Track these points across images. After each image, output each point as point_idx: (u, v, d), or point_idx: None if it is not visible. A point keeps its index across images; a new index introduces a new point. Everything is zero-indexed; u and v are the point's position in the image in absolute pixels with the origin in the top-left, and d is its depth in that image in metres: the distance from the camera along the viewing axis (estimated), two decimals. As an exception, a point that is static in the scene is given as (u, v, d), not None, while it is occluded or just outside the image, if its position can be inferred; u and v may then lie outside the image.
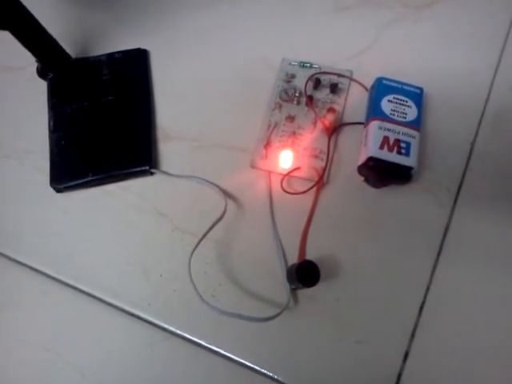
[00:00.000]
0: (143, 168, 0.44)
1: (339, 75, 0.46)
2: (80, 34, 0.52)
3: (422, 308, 0.38)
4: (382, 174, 0.40)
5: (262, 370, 0.38)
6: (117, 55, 0.49)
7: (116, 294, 0.41)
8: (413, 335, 0.38)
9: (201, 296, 0.37)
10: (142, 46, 0.50)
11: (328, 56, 0.47)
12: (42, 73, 0.48)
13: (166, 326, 0.40)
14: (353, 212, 0.42)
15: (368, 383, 0.37)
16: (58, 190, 0.44)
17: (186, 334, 0.39)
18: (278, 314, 0.36)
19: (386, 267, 0.40)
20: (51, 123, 0.47)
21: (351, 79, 0.46)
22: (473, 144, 0.43)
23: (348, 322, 0.38)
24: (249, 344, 0.38)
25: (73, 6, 0.53)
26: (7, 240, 0.44)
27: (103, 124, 0.46)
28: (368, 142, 0.40)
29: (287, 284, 0.38)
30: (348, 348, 0.38)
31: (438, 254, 0.40)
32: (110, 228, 0.43)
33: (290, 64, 0.47)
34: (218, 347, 0.39)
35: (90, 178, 0.44)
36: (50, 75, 0.48)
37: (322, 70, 0.46)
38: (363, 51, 0.48)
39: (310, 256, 0.40)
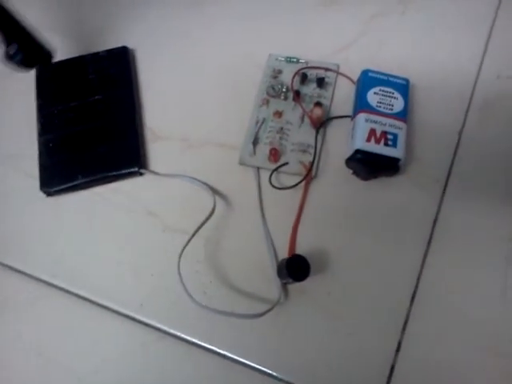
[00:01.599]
0: (132, 169, 0.43)
1: (326, 69, 0.46)
2: (66, 33, 0.52)
3: (413, 298, 0.38)
4: (369, 166, 0.40)
5: (257, 366, 0.38)
6: (101, 54, 0.49)
7: (108, 295, 0.41)
8: (405, 325, 0.38)
9: (191, 296, 0.37)
10: (129, 46, 0.50)
11: (315, 50, 0.47)
12: (9, 55, 0.42)
13: (158, 325, 0.40)
14: (342, 205, 0.42)
15: (361, 375, 0.37)
16: (49, 194, 0.44)
17: (179, 333, 0.39)
18: (269, 310, 0.36)
19: (377, 259, 0.40)
20: (38, 126, 0.47)
21: (338, 73, 0.46)
22: (460, 133, 0.43)
23: (339, 314, 0.38)
24: (242, 340, 0.38)
25: (57, 5, 0.53)
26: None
27: (91, 125, 0.46)
28: (355, 135, 0.40)
29: (278, 279, 0.38)
30: (340, 340, 0.38)
31: (428, 244, 0.40)
32: (101, 230, 0.43)
33: (276, 59, 0.47)
34: (211, 345, 0.39)
35: (79, 181, 0.43)
36: (19, 55, 0.42)
37: (308, 65, 0.46)
38: (350, 45, 0.48)
39: (300, 250, 0.40)
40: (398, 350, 0.37)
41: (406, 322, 0.38)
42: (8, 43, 0.42)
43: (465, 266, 0.39)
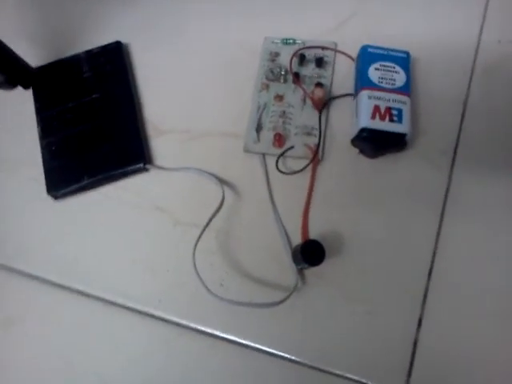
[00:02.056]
0: (138, 166, 0.43)
1: (324, 48, 0.45)
2: (58, 33, 0.51)
3: (430, 272, 0.38)
4: (376, 143, 0.40)
5: (280, 353, 0.38)
6: (95, 51, 0.48)
7: (125, 294, 0.41)
8: (424, 300, 0.38)
9: (209, 289, 0.37)
10: (122, 40, 0.49)
11: (311, 30, 0.47)
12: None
13: (179, 320, 0.40)
14: (351, 185, 0.41)
15: (385, 353, 0.37)
16: (56, 197, 0.44)
17: (200, 327, 0.39)
18: (288, 297, 0.37)
19: (391, 236, 0.40)
20: (39, 129, 0.46)
21: (336, 51, 0.45)
22: (465, 103, 0.42)
23: (358, 294, 0.38)
24: (263, 329, 0.38)
25: (43, 7, 0.53)
26: (11, 253, 0.44)
27: (91, 124, 0.45)
28: (359, 113, 0.40)
29: (294, 265, 0.38)
30: (361, 320, 0.38)
31: (441, 216, 0.40)
32: (112, 229, 0.43)
33: (272, 42, 0.46)
34: (233, 336, 0.39)
35: (85, 182, 0.43)
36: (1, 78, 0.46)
37: (305, 45, 0.45)
38: (346, 21, 0.47)
39: (313, 234, 0.40)
40: (419, 325, 0.37)
41: (425, 297, 0.38)
42: None
43: (480, 237, 0.39)
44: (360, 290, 0.39)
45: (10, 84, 0.47)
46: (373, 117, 0.39)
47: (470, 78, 0.43)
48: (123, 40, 0.49)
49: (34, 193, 0.45)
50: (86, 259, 0.42)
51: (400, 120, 0.39)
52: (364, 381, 0.36)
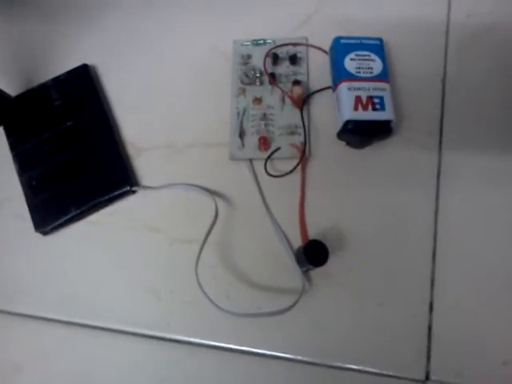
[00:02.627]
0: (124, 189, 0.42)
1: (295, 44, 0.45)
2: (23, 62, 0.50)
3: (434, 255, 0.38)
4: (362, 134, 0.40)
5: (296, 357, 0.37)
6: (62, 77, 0.47)
7: (132, 321, 0.40)
8: (432, 284, 0.38)
9: (215, 304, 0.37)
10: (88, 63, 0.47)
11: (279, 28, 0.46)
12: None
13: (190, 339, 0.39)
14: (343, 179, 0.41)
15: (401, 342, 0.37)
16: (45, 233, 0.43)
17: (212, 342, 0.39)
18: (297, 301, 0.36)
19: (390, 223, 0.40)
20: (16, 165, 0.45)
21: (308, 45, 0.45)
22: (444, 80, 0.42)
23: (366, 288, 0.38)
24: (276, 335, 0.38)
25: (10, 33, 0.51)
26: (7, 296, 0.42)
27: (70, 153, 0.44)
28: (341, 106, 0.39)
29: (298, 268, 0.38)
30: (372, 314, 0.38)
31: (437, 196, 0.40)
32: (107, 256, 0.42)
33: (242, 45, 0.45)
34: (246, 347, 0.38)
35: (73, 213, 0.42)
36: None
37: (276, 44, 0.45)
38: (313, 14, 0.46)
39: (312, 233, 0.40)
40: (431, 309, 0.37)
41: (432, 280, 0.38)
42: None
43: (478, 212, 0.39)
44: (367, 283, 0.38)
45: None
46: (355, 108, 0.38)
47: (445, 56, 0.43)
48: (90, 62, 0.48)
49: (22, 231, 0.43)
50: (85, 291, 0.41)
51: (383, 107, 0.38)
52: (385, 372, 0.36)
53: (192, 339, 0.39)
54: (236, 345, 0.38)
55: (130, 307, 0.40)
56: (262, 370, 0.38)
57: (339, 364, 0.37)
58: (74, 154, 0.44)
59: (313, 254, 0.36)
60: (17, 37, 0.51)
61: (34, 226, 0.43)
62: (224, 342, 0.39)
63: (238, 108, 0.43)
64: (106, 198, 0.42)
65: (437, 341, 0.37)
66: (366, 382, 0.36)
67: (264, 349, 0.38)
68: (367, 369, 0.37)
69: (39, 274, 0.43)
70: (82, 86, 0.46)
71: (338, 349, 0.37)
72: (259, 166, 0.42)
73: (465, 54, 0.43)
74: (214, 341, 0.39)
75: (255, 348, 0.38)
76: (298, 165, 0.40)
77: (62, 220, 0.42)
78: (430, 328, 0.37)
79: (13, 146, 0.45)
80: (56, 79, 0.47)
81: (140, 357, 0.39)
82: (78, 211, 0.42)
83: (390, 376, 0.36)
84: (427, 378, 0.36)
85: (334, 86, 0.41)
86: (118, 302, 0.41)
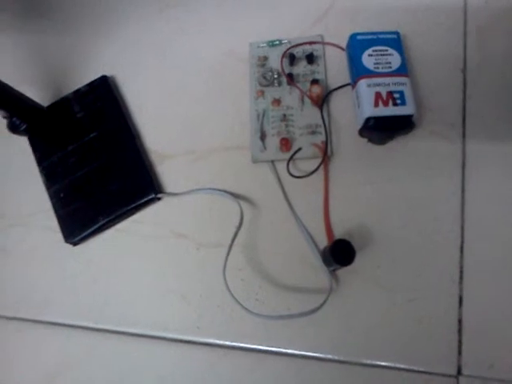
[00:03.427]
0: (149, 197, 0.43)
1: (311, 43, 0.44)
2: (42, 76, 0.51)
3: (462, 248, 0.38)
4: (384, 130, 0.39)
5: (327, 356, 0.38)
6: (83, 89, 0.48)
7: (163, 326, 0.41)
8: (461, 277, 0.37)
9: (245, 307, 0.37)
10: (107, 74, 0.48)
11: (293, 27, 0.46)
12: (13, 126, 0.44)
13: (220, 342, 0.39)
14: (366, 175, 0.41)
15: (432, 337, 0.36)
16: (75, 244, 0.44)
17: (242, 344, 0.39)
18: (325, 301, 0.36)
19: (416, 219, 0.39)
20: (43, 179, 0.46)
21: (324, 43, 0.44)
22: (464, 70, 0.42)
23: (395, 284, 0.38)
24: (306, 335, 0.38)
25: (28, 49, 0.52)
26: (40, 306, 0.43)
27: (95, 164, 0.45)
28: (361, 103, 0.39)
29: (325, 267, 0.38)
30: (403, 310, 0.37)
31: (463, 189, 0.39)
32: (136, 264, 0.43)
33: (258, 47, 0.45)
34: (277, 348, 0.38)
35: (101, 223, 0.43)
36: (23, 126, 0.44)
37: (292, 44, 0.44)
38: (327, 11, 0.46)
39: (337, 232, 0.40)
40: (460, 303, 0.37)
41: (461, 273, 0.37)
42: (10, 115, 0.42)
43: (506, 202, 0.38)
44: (396, 279, 0.38)
45: (29, 131, 0.45)
46: (376, 104, 0.38)
47: (465, 44, 0.42)
48: (108, 73, 0.48)
49: (52, 242, 0.45)
50: (116, 299, 0.42)
51: (403, 102, 0.38)
52: (415, 368, 0.36)
53: (222, 342, 0.39)
54: (267, 346, 0.39)
55: (159, 312, 0.41)
56: (293, 370, 0.38)
57: (370, 361, 0.37)
58: (99, 164, 0.45)
59: (339, 253, 0.35)
60: (36, 50, 0.52)
61: (63, 237, 0.44)
62: (255, 344, 0.39)
63: (257, 110, 0.43)
64: (133, 206, 0.43)
65: (468, 334, 0.36)
66: (397, 378, 0.36)
67: (295, 349, 0.38)
68: (398, 365, 0.36)
69: (70, 284, 0.44)
70: (103, 97, 0.47)
71: (368, 346, 0.37)
72: (282, 168, 0.42)
73: (484, 41, 0.42)
74: (245, 343, 0.39)
75: (286, 348, 0.38)
76: (320, 164, 0.40)
77: (90, 230, 0.43)
78: (460, 322, 0.36)
79: (39, 161, 0.46)
80: (77, 92, 0.48)
81: (172, 362, 0.40)
82: (105, 220, 0.43)
83: (422, 372, 0.36)
84: (459, 372, 0.36)
85: (353, 83, 0.41)
86: (148, 308, 0.41)
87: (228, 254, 0.39)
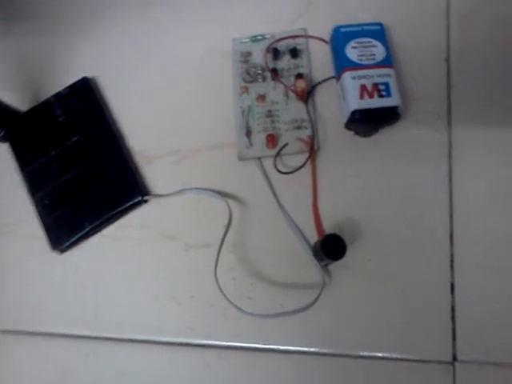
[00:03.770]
0: (136, 200, 0.42)
1: (294, 37, 0.44)
2: (22, 79, 0.49)
3: (451, 236, 0.38)
4: (370, 122, 0.39)
5: (322, 351, 0.37)
6: (64, 92, 0.47)
7: (157, 330, 0.40)
8: (452, 265, 0.38)
9: (237, 306, 0.37)
10: (88, 75, 0.47)
11: (276, 22, 0.46)
12: None
13: (215, 342, 0.39)
14: (354, 168, 0.41)
15: (425, 326, 0.37)
16: (62, 251, 0.43)
17: (237, 344, 0.39)
18: (318, 296, 0.36)
19: (405, 209, 0.39)
20: (27, 185, 0.45)
21: (307, 37, 0.44)
22: (448, 59, 0.42)
23: (386, 276, 0.38)
24: (301, 331, 0.38)
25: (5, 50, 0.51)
26: (30, 317, 0.43)
27: (78, 168, 0.44)
28: (346, 96, 0.39)
29: (317, 263, 0.38)
30: (396, 301, 0.37)
31: (450, 177, 0.39)
32: (125, 268, 0.42)
33: (241, 43, 0.45)
34: (272, 345, 0.38)
35: (88, 228, 0.42)
36: (1, 133, 0.44)
37: (275, 38, 0.44)
38: (309, 4, 0.46)
39: (327, 227, 0.40)
40: (452, 291, 0.37)
41: (452, 262, 0.38)
42: None
43: (493, 188, 0.39)
44: (387, 270, 0.38)
45: (7, 138, 0.45)
46: (361, 97, 0.38)
47: (448, 33, 0.42)
48: (89, 74, 0.47)
49: (38, 250, 0.44)
50: (107, 305, 0.42)
51: (389, 94, 0.38)
52: (411, 357, 0.36)
53: (218, 342, 0.39)
54: (262, 344, 0.38)
55: (152, 316, 0.41)
56: (290, 366, 0.38)
57: (366, 353, 0.37)
58: (83, 169, 0.44)
59: (331, 248, 0.35)
60: (14, 53, 0.51)
61: (50, 245, 0.43)
62: (250, 342, 0.39)
63: (242, 107, 0.43)
64: (119, 210, 0.42)
65: (461, 321, 0.36)
66: (393, 368, 0.36)
67: (291, 345, 0.38)
68: (394, 355, 0.37)
69: (60, 292, 0.43)
70: (84, 99, 0.46)
71: (363, 338, 0.37)
72: (268, 164, 0.41)
73: (467, 29, 0.42)
74: (240, 342, 0.39)
75: (282, 345, 0.38)
76: (307, 159, 0.40)
77: (77, 236, 0.42)
78: (453, 309, 0.37)
79: (22, 167, 0.45)
80: (57, 95, 0.47)
81: (168, 365, 0.40)
82: (92, 226, 0.42)
83: (418, 361, 0.36)
84: (454, 358, 0.36)
85: (338, 76, 0.40)
86: (140, 312, 0.41)
87: (219, 253, 0.38)
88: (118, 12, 0.50)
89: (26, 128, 0.46)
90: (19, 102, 0.47)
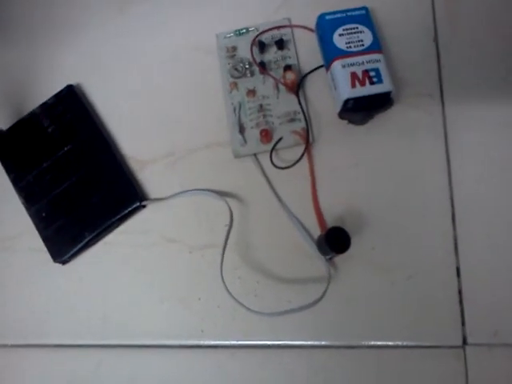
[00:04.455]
0: (134, 206, 0.42)
1: (279, 27, 0.43)
2: (5, 91, 0.48)
3: (453, 219, 0.38)
4: (363, 110, 0.39)
5: (334, 343, 0.38)
6: (50, 101, 0.46)
7: (166, 334, 0.40)
8: (456, 248, 0.38)
9: (244, 305, 0.37)
10: (73, 82, 0.46)
11: (259, 13, 0.45)
12: None
13: (227, 342, 0.39)
14: (351, 157, 0.40)
15: (434, 312, 0.37)
16: (64, 262, 0.43)
17: (248, 342, 0.39)
18: (325, 290, 0.36)
19: (404, 195, 0.39)
20: (22, 200, 0.44)
21: (292, 26, 0.43)
22: (436, 40, 0.41)
23: (392, 264, 0.38)
24: (310, 325, 0.38)
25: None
26: (38, 330, 0.42)
27: (73, 178, 0.43)
28: (338, 85, 0.38)
29: (321, 256, 0.38)
30: (403, 288, 0.37)
31: (448, 158, 0.39)
32: (130, 275, 0.42)
33: (225, 37, 0.44)
34: (283, 341, 0.38)
35: (88, 238, 0.42)
36: None
37: (260, 31, 0.43)
38: (290, -9, 0.45)
39: (328, 218, 0.39)
40: (458, 274, 0.37)
41: (455, 246, 0.38)
42: None
43: (492, 166, 0.39)
44: (392, 258, 0.38)
45: None
46: (353, 85, 0.37)
47: (434, 13, 0.42)
48: (74, 81, 0.46)
49: (40, 263, 0.43)
50: (114, 313, 0.41)
51: (380, 80, 0.37)
52: (422, 343, 0.37)
53: (228, 342, 0.39)
54: (273, 340, 0.38)
55: (160, 321, 0.40)
56: (303, 360, 0.38)
57: (376, 343, 0.37)
58: (78, 178, 0.43)
59: (335, 241, 0.35)
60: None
61: (51, 257, 0.42)
62: (261, 340, 0.39)
63: (233, 104, 0.42)
64: (118, 217, 0.42)
65: (469, 304, 0.37)
66: (405, 356, 0.37)
67: (302, 340, 0.38)
68: (405, 343, 0.37)
69: (65, 303, 0.42)
70: (72, 107, 0.45)
71: (373, 328, 0.37)
72: (265, 159, 0.41)
73: (452, 9, 0.41)
74: (251, 340, 0.39)
75: (293, 340, 0.38)
76: (303, 153, 0.39)
77: (77, 247, 0.42)
78: (460, 292, 0.37)
79: (15, 182, 0.44)
80: (44, 105, 0.46)
81: (180, 368, 0.40)
82: (92, 235, 0.42)
83: (428, 347, 0.37)
84: (465, 342, 0.36)
85: (327, 66, 0.40)
86: (148, 318, 0.41)
87: (223, 253, 0.38)
88: (97, 13, 0.49)
89: (13, 142, 0.45)
90: (2, 116, 0.47)
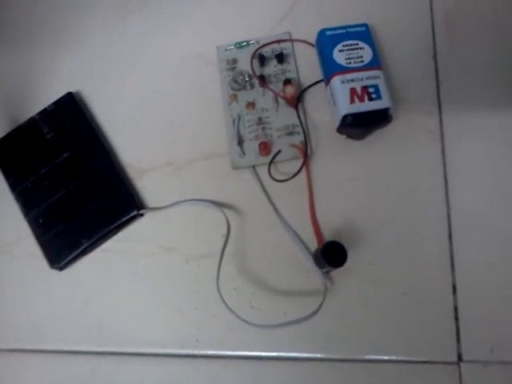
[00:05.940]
0: (132, 214, 0.42)
1: (279, 41, 0.44)
2: (5, 98, 0.49)
3: (450, 236, 0.38)
4: (362, 126, 0.39)
5: (328, 356, 0.38)
6: (49, 108, 0.46)
7: (161, 343, 0.40)
8: (452, 265, 0.38)
9: (240, 317, 0.37)
10: (73, 89, 0.46)
11: (260, 26, 0.45)
12: None
13: (220, 353, 0.39)
14: (349, 172, 0.41)
15: (429, 327, 0.37)
16: (61, 269, 0.43)
17: (243, 353, 0.39)
18: (321, 304, 0.36)
19: (402, 211, 0.39)
20: (19, 205, 0.44)
21: (292, 40, 0.44)
22: (435, 57, 0.42)
23: (388, 279, 0.38)
24: (306, 338, 0.38)
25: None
26: (35, 335, 0.42)
27: (71, 185, 0.43)
28: (337, 101, 0.39)
29: (318, 270, 0.38)
30: (398, 303, 0.38)
31: (445, 175, 0.40)
32: (126, 282, 0.42)
33: (226, 50, 0.44)
34: (278, 352, 0.38)
35: (85, 245, 0.42)
36: None
37: (260, 44, 0.44)
38: (292, 6, 0.45)
39: (326, 232, 0.40)
40: (454, 291, 0.37)
41: (452, 261, 0.38)
42: None
43: (490, 184, 0.39)
44: (388, 273, 0.38)
45: None
46: (351, 101, 0.38)
47: (433, 30, 0.42)
48: (74, 89, 0.47)
49: (37, 269, 0.43)
50: (110, 320, 0.41)
51: (379, 96, 0.38)
52: (417, 359, 0.37)
53: (223, 352, 0.39)
54: (268, 352, 0.39)
55: (156, 329, 0.41)
56: (297, 373, 0.38)
57: (371, 357, 0.37)
58: (76, 185, 0.43)
59: (332, 255, 0.35)
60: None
61: (48, 264, 0.42)
62: (256, 351, 0.39)
63: (232, 115, 0.42)
64: (115, 225, 0.42)
65: (465, 321, 0.37)
66: (399, 371, 0.37)
67: (296, 352, 0.38)
68: (400, 358, 0.37)
69: (62, 309, 0.42)
70: (71, 114, 0.45)
71: (368, 342, 0.38)
72: (263, 172, 0.41)
73: (453, 24, 0.42)
74: (246, 351, 0.39)
75: (287, 352, 0.38)
76: (302, 166, 0.40)
77: (74, 254, 0.42)
78: (456, 309, 0.37)
79: (13, 187, 0.44)
80: (43, 112, 0.46)
81: (174, 377, 0.40)
82: (89, 243, 0.42)
83: (423, 362, 0.37)
84: (460, 358, 0.36)
85: (327, 81, 0.40)
86: (144, 326, 0.41)
87: (220, 264, 0.38)
88: (98, 21, 0.49)
89: (14, 147, 0.45)
90: (2, 121, 0.47)
